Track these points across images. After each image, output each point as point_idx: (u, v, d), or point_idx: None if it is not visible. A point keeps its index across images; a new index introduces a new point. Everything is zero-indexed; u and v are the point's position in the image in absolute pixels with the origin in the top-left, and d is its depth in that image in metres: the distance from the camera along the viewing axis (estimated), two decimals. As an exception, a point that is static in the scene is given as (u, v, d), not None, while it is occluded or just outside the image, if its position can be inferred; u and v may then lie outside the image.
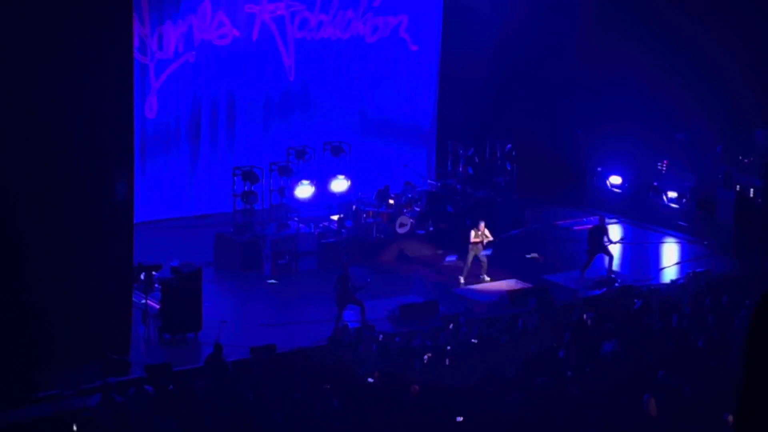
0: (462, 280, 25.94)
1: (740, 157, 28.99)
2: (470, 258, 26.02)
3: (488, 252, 26.24)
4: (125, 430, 17.04)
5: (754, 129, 28.82)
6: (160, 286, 22.80)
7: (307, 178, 27.94)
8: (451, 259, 26.98)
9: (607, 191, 31.58)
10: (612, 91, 30.50)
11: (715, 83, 28.56)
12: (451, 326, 21.21)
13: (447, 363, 19.42)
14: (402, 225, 27.82)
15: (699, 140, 29.65)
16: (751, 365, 4.57)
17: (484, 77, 31.88)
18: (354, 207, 28.10)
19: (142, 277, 22.99)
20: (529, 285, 25.49)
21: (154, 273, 23.25)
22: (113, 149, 20.70)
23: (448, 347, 20.11)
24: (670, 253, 28.89)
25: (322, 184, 28.37)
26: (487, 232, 26.09)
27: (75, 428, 17.37)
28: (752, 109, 28.45)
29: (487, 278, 26.03)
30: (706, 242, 28.88)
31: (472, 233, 26.02)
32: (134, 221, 21.86)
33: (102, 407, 17.58)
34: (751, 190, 28.36)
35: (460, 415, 16.47)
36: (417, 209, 28.47)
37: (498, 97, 31.66)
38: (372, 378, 18.12)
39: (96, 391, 18.36)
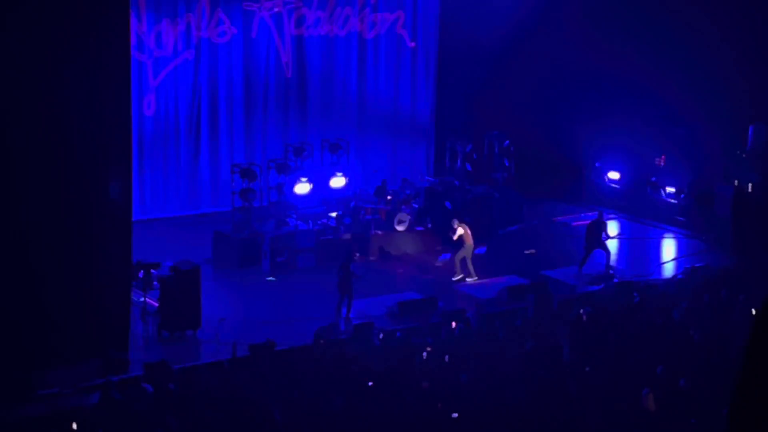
0: (471, 280, 25.91)
1: (738, 152, 29.00)
2: (468, 256, 25.92)
3: (482, 250, 26.20)
4: (124, 428, 17.03)
5: (750, 124, 28.84)
6: (158, 284, 22.82)
7: (305, 175, 27.95)
8: (444, 257, 26.90)
9: (605, 187, 31.59)
10: (610, 86, 30.49)
11: (712, 78, 28.55)
12: (453, 325, 21.15)
13: (446, 359, 19.41)
14: (400, 222, 27.81)
15: (697, 135, 29.64)
16: (751, 365, 4.57)
17: (482, 73, 31.91)
18: (352, 204, 28.09)
19: (140, 274, 22.99)
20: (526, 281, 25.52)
21: (152, 271, 23.25)
22: (111, 147, 20.67)
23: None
24: (668, 248, 28.91)
25: (320, 181, 28.37)
26: (460, 230, 25.86)
27: (74, 426, 17.37)
28: (749, 104, 28.44)
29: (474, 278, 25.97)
30: (704, 237, 28.90)
31: (459, 230, 25.83)
32: (132, 219, 21.84)
33: (101, 405, 17.58)
34: (749, 184, 28.38)
35: (458, 411, 16.45)
36: (415, 206, 28.45)
37: (496, 94, 31.66)
38: (371, 381, 18.07)
39: (95, 389, 18.37)
